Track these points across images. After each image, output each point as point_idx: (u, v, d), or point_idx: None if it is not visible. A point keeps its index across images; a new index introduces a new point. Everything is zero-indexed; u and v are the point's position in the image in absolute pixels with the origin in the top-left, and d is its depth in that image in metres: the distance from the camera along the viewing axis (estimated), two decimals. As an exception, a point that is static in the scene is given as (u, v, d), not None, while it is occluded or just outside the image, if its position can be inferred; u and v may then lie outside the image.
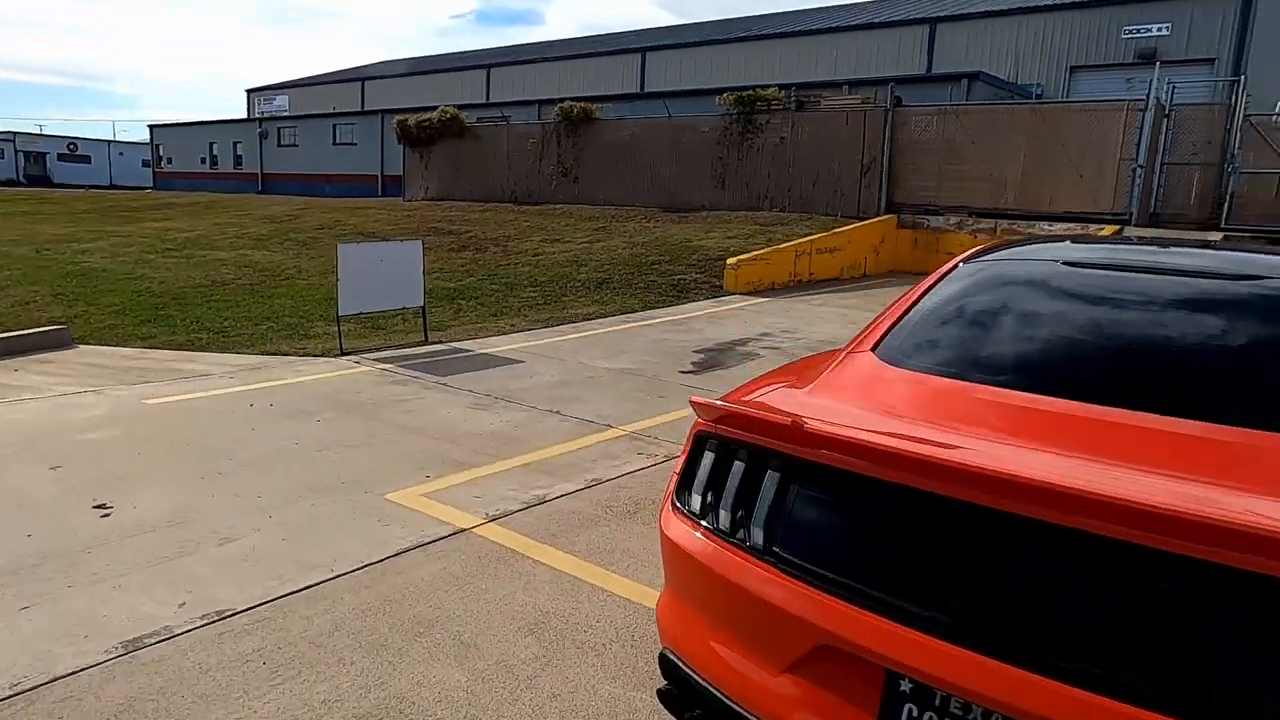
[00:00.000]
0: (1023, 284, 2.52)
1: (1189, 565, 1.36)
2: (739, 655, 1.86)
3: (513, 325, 9.56)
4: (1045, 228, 15.18)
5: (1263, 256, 2.56)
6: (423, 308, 8.55)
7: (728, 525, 1.93)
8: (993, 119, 16.43)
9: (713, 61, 31.12)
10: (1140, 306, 2.25)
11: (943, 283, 2.68)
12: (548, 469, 4.62)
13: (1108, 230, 13.90)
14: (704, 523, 1.99)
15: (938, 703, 1.54)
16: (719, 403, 2.01)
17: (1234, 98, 14.70)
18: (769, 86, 18.56)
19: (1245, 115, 14.61)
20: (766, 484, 1.88)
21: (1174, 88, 15.05)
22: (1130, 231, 14.04)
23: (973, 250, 3.04)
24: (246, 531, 3.69)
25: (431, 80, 39.91)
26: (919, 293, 2.65)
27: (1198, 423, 1.78)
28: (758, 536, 1.85)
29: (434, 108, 24.04)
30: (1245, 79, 14.88)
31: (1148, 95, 14.37)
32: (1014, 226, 15.51)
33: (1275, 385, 1.90)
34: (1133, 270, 2.48)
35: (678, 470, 2.16)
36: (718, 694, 1.86)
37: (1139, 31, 23.38)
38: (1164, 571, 1.40)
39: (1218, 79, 20.28)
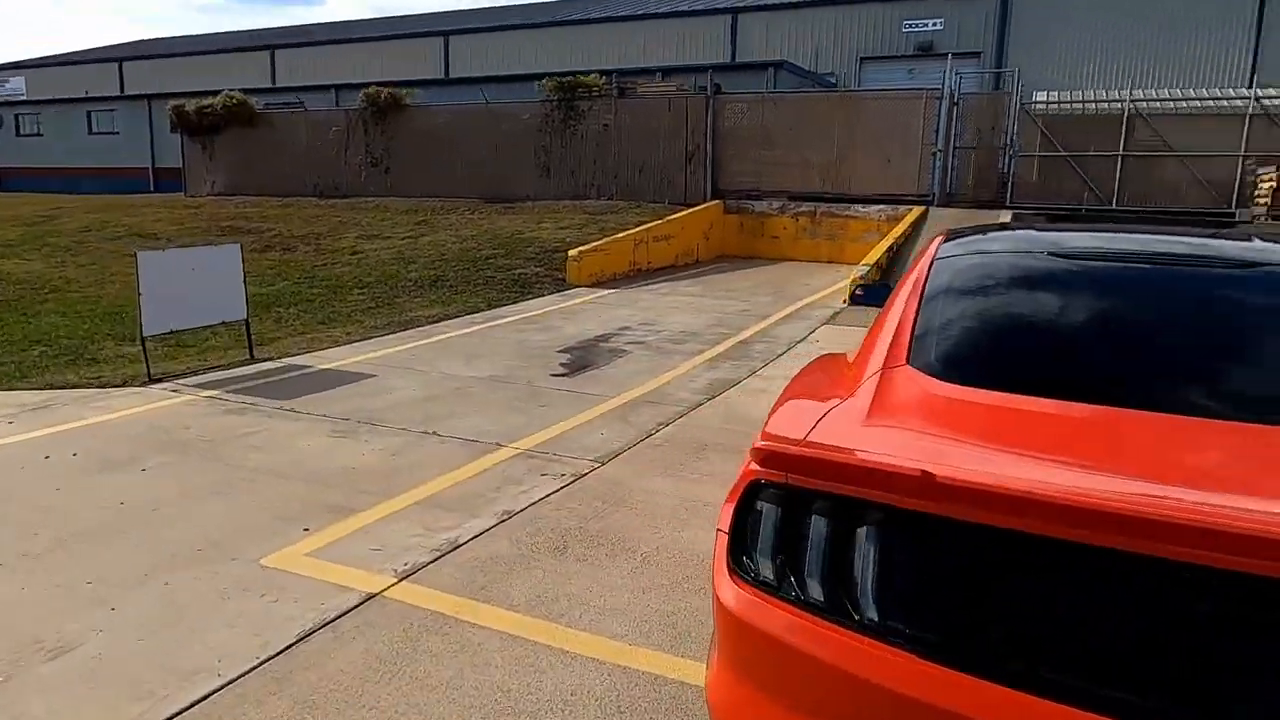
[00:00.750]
0: (1033, 279, 2.37)
1: None
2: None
3: (348, 334, 8.62)
4: (859, 209, 16.04)
5: (1228, 242, 2.57)
6: (245, 321, 7.46)
7: (821, 597, 1.58)
8: (807, 107, 17.12)
9: (523, 47, 30.36)
10: (1170, 302, 2.15)
11: (939, 276, 2.47)
12: (447, 504, 4.04)
13: (915, 211, 14.90)
14: (782, 593, 1.63)
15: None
16: (795, 448, 1.64)
17: (1011, 88, 16.20)
18: (589, 73, 18.24)
19: (1021, 104, 16.16)
20: (870, 544, 1.54)
21: (960, 78, 16.35)
22: (933, 211, 15.13)
23: (945, 239, 2.88)
24: (85, 635, 2.85)
25: (206, 61, 36.00)
26: (917, 291, 2.42)
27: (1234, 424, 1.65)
28: (870, 610, 1.51)
29: (216, 92, 21.59)
30: (1019, 71, 16.45)
31: (942, 86, 15.53)
32: (832, 209, 16.27)
33: None
34: (1137, 261, 2.39)
35: (726, 526, 1.77)
36: None
37: (916, 26, 25.37)
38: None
39: (990, 70, 22.44)
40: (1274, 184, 13.50)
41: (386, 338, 8.38)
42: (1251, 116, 14.82)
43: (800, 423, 1.87)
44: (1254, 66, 21.97)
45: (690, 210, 15.93)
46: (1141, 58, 22.83)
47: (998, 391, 1.88)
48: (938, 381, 1.95)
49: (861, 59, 26.34)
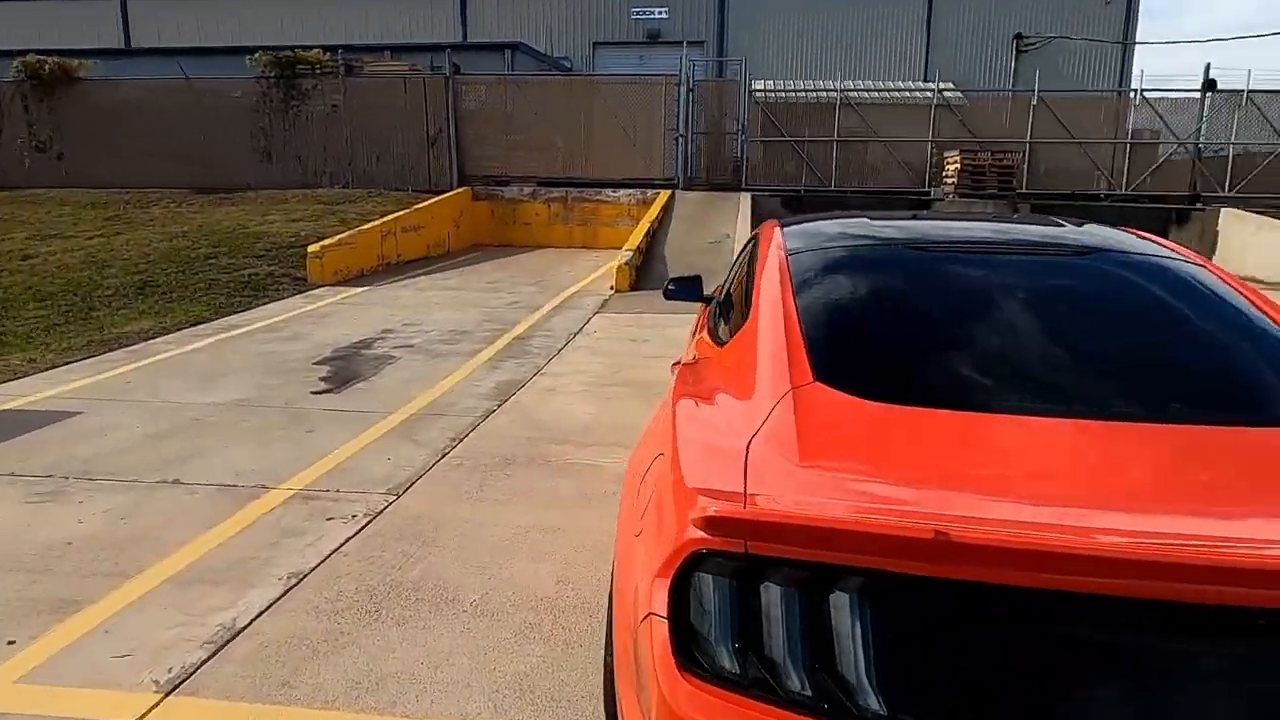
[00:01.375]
0: (913, 277, 2.26)
1: None
2: None
3: (32, 361, 6.98)
4: (610, 194, 16.16)
5: (1056, 228, 2.65)
6: (-124, 356, 5.71)
7: (809, 689, 1.28)
8: (552, 90, 16.88)
9: (223, 17, 26.96)
10: (1047, 293, 2.12)
11: (805, 275, 2.28)
12: (213, 575, 3.25)
13: (663, 195, 15.29)
14: (755, 689, 1.31)
15: None
16: (757, 511, 1.32)
17: (740, 76, 17.12)
18: (311, 48, 16.55)
19: (750, 91, 17.16)
20: (860, 618, 1.27)
21: (694, 65, 17.02)
22: (679, 194, 15.63)
23: (782, 230, 2.71)
24: None
25: None
26: (786, 293, 2.21)
27: (1215, 428, 1.64)
28: (872, 701, 1.24)
29: None
30: (745, 60, 17.42)
31: (679, 72, 16.02)
32: (583, 195, 16.23)
33: (1213, 373, 1.87)
34: (991, 251, 2.36)
35: (663, 610, 1.42)
36: None
37: (645, 14, 26.10)
38: None
39: (713, 58, 23.68)
40: (958, 165, 15.54)
41: (88, 362, 6.89)
42: (936, 107, 16.93)
43: (725, 470, 1.56)
44: (927, 64, 25.27)
45: (439, 198, 15.07)
46: (844, 51, 25.30)
47: (930, 409, 1.70)
48: (862, 401, 1.74)
49: (594, 44, 26.60)
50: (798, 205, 15.76)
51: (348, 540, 3.57)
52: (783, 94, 18.20)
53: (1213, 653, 1.18)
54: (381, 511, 3.87)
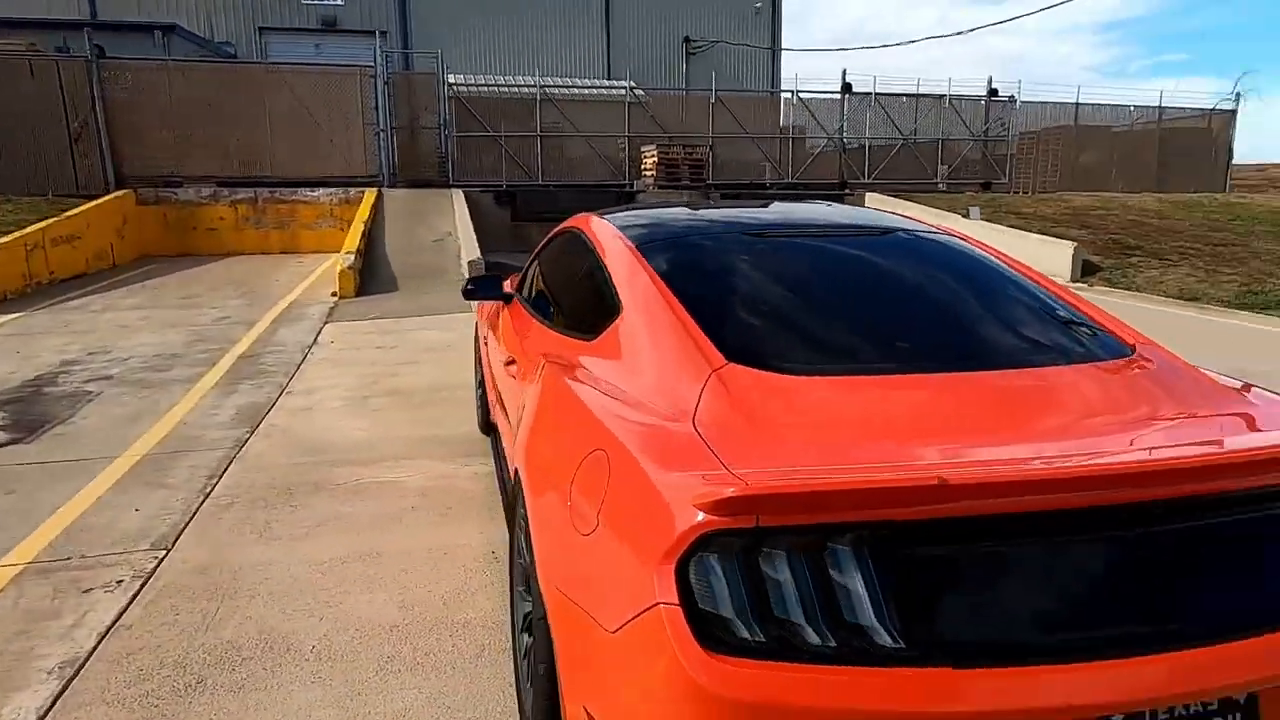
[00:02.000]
0: (767, 261, 2.43)
1: (1241, 494, 1.55)
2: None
3: None
4: (309, 194, 14.98)
5: (850, 210, 3.02)
6: None
7: (834, 641, 1.38)
8: (228, 79, 15.16)
9: None
10: (879, 268, 2.42)
11: (665, 266, 2.38)
12: (-54, 687, 2.55)
13: (370, 193, 14.50)
14: (784, 653, 1.38)
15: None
16: (768, 485, 1.37)
17: (437, 69, 16.72)
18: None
19: (449, 85, 16.83)
20: (871, 568, 1.39)
21: (388, 57, 16.30)
22: (387, 192, 14.94)
23: (615, 226, 2.78)
24: None
25: None
26: (655, 284, 2.29)
27: (1026, 370, 2.01)
28: (887, 637, 1.37)
29: None
30: (442, 53, 17.03)
31: (374, 63, 15.24)
32: (277, 195, 14.87)
33: (1011, 322, 2.28)
34: (814, 234, 2.63)
35: (674, 597, 1.42)
36: None
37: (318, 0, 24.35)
38: (1233, 502, 1.55)
39: (399, 49, 22.76)
40: (655, 159, 16.65)
41: None
42: (629, 104, 17.95)
43: (697, 455, 1.60)
44: (609, 63, 26.61)
45: (95, 203, 12.88)
46: (530, 49, 25.68)
47: (842, 376, 1.88)
48: (780, 376, 1.87)
49: (260, 29, 24.25)
50: (510, 200, 15.86)
51: (125, 610, 2.99)
52: (480, 88, 18.12)
53: (1140, 539, 1.49)
54: (155, 571, 3.30)
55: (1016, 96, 19.99)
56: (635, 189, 16.80)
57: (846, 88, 19.01)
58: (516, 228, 15.80)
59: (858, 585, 1.40)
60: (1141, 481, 1.43)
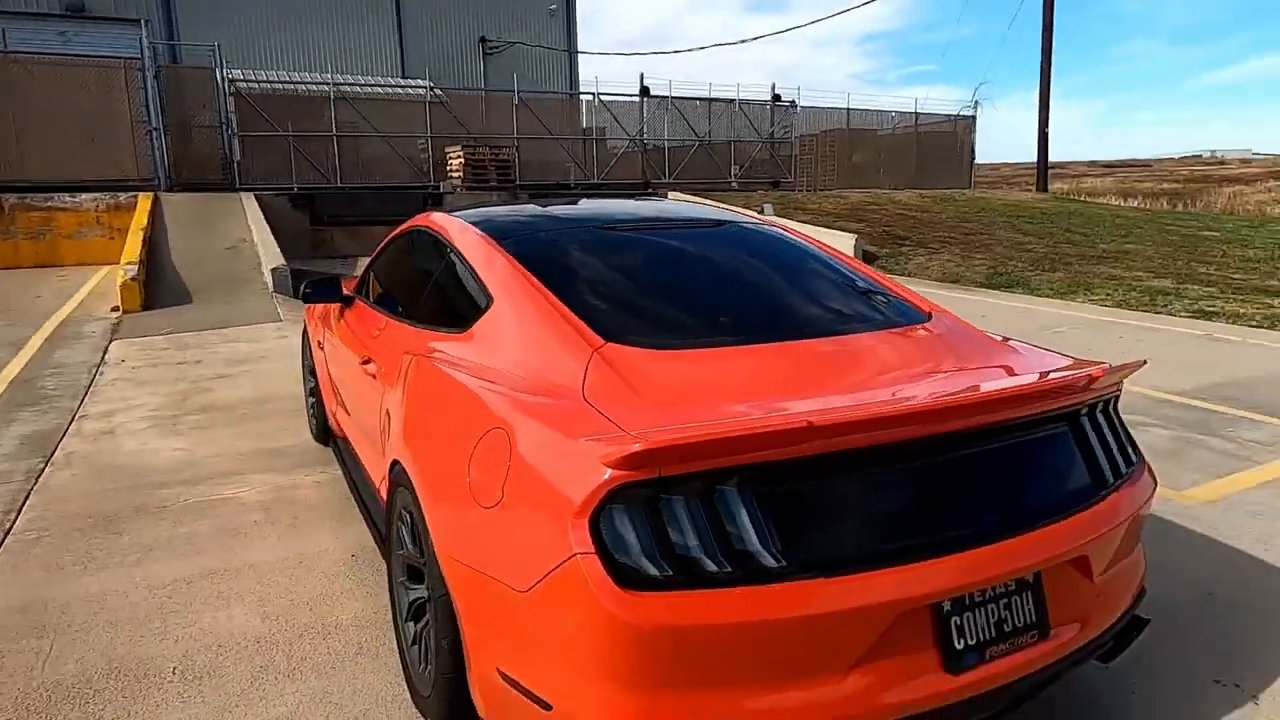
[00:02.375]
0: (625, 251, 2.64)
1: (1023, 420, 1.96)
2: (789, 693, 1.63)
3: None
4: (68, 200, 13.42)
5: (682, 205, 3.30)
6: None
7: (729, 567, 1.60)
8: (-44, 69, 13.20)
9: None
10: (728, 255, 2.71)
11: (529, 260, 2.53)
12: None
13: (145, 198, 13.25)
14: (687, 583, 1.59)
15: (966, 602, 1.78)
16: (665, 440, 1.57)
17: (215, 63, 15.49)
18: None
19: (230, 81, 15.67)
20: (754, 502, 1.64)
21: (156, 48, 14.91)
22: (165, 197, 13.71)
23: (469, 223, 2.89)
24: None
25: None
26: (521, 276, 2.44)
27: (849, 336, 2.37)
28: (771, 559, 1.62)
29: None
30: (219, 45, 15.78)
31: (141, 54, 13.89)
32: (28, 201, 13.18)
33: (826, 296, 2.65)
34: (659, 226, 2.88)
35: (589, 546, 1.59)
36: None
37: (63, -17, 21.69)
38: (1014, 428, 1.96)
39: (163, 40, 20.77)
40: (462, 160, 16.46)
41: None
42: (430, 104, 17.59)
43: (596, 421, 1.77)
44: (403, 61, 25.81)
45: None
46: (317, 44, 24.32)
47: (705, 349, 2.12)
48: (652, 351, 2.08)
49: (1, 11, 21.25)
50: (309, 203, 15.04)
51: (-67, 662, 2.69)
52: (265, 85, 17.04)
53: (950, 462, 1.84)
54: (-41, 616, 2.97)
55: (798, 102, 21.69)
56: (443, 190, 16.51)
57: (644, 91, 19.76)
58: (317, 232, 15.01)
59: (744, 519, 1.63)
60: (949, 416, 1.79)
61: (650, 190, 19.20)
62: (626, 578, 1.59)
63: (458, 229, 2.87)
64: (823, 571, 1.64)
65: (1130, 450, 2.26)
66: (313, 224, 14.88)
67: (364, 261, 4.04)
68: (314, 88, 17.07)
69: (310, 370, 4.97)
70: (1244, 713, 2.35)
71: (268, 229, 11.98)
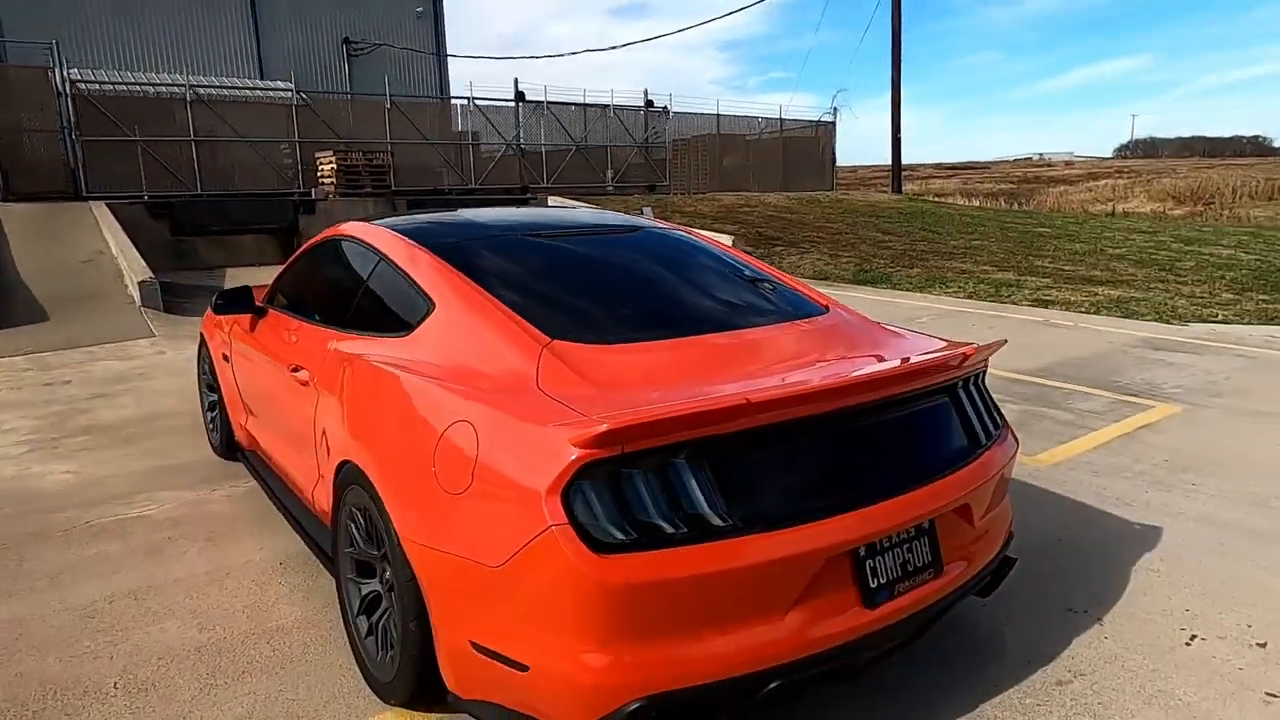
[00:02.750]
0: (556, 256, 2.85)
1: (913, 394, 2.32)
2: (739, 633, 1.90)
3: None
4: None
5: (598, 213, 3.52)
6: None
7: (686, 528, 1.85)
8: None
9: None
10: (650, 257, 2.97)
11: (471, 268, 2.69)
12: None
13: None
14: (650, 544, 1.82)
15: (878, 547, 2.11)
16: (627, 421, 1.79)
17: (54, 62, 14.40)
18: None
19: (71, 82, 14.61)
20: (703, 471, 1.89)
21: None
22: (4, 207, 12.66)
23: (399, 232, 3.02)
24: None
25: None
26: (460, 281, 2.61)
27: (758, 329, 2.68)
28: (718, 518, 1.88)
29: None
30: (57, 44, 14.67)
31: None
32: None
33: (738, 294, 2.96)
34: (584, 233, 3.10)
35: (561, 518, 1.80)
36: (721, 682, 1.88)
37: None
38: (907, 400, 2.31)
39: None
40: (334, 166, 15.99)
41: None
42: (296, 108, 16.99)
43: (557, 411, 1.97)
44: (260, 62, 24.66)
45: None
46: (170, 41, 22.83)
47: (642, 343, 2.36)
48: (596, 347, 2.29)
49: None
50: (169, 212, 14.21)
51: None
52: (110, 86, 15.97)
53: (861, 430, 2.16)
54: None
55: (669, 108, 22.31)
56: (315, 197, 15.97)
57: (520, 96, 19.81)
58: (179, 243, 14.19)
59: (693, 486, 1.89)
60: (857, 391, 2.11)
61: (529, 195, 19.26)
62: (596, 544, 1.80)
63: (388, 238, 2.98)
64: (762, 527, 1.92)
65: (997, 416, 2.67)
66: (174, 234, 14.08)
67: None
68: (164, 89, 16.16)
69: (209, 384, 4.87)
70: (1091, 633, 2.81)
71: (127, 240, 11.30)
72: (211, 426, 4.87)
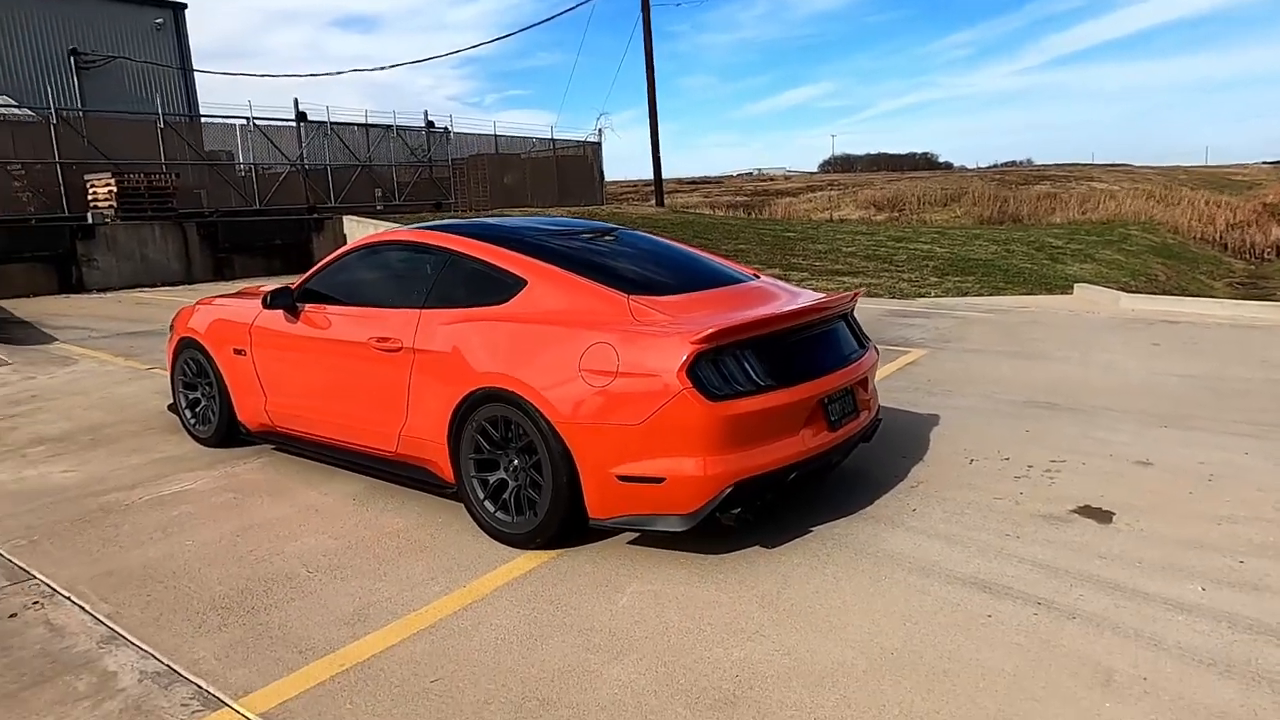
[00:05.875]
0: (575, 245, 4.16)
1: (835, 316, 3.96)
2: (776, 443, 3.38)
3: None
4: None
5: (582, 221, 4.83)
6: None
7: (758, 384, 3.31)
8: None
9: None
10: (633, 248, 4.35)
11: (534, 253, 3.93)
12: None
13: None
14: (741, 393, 3.25)
15: (831, 400, 3.68)
16: (717, 330, 3.21)
17: None
18: None
19: None
20: (753, 354, 3.37)
21: None
22: None
23: (463, 232, 4.17)
24: None
25: None
26: (546, 263, 3.86)
27: (734, 286, 4.19)
28: (765, 380, 3.36)
29: None
30: None
31: None
32: None
33: (711, 266, 4.44)
34: (580, 232, 4.45)
35: (688, 383, 3.17)
36: (770, 472, 3.36)
37: None
38: (832, 320, 3.94)
39: None
40: (112, 188, 15.12)
41: None
42: (54, 125, 15.78)
43: (664, 332, 3.33)
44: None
45: None
46: None
47: (676, 295, 3.74)
48: (654, 298, 3.64)
49: None
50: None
51: (83, 613, 3.23)
52: None
53: (819, 336, 3.74)
54: None
55: (450, 128, 23.16)
56: (93, 221, 14.99)
57: (301, 116, 19.69)
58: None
59: (751, 364, 3.35)
60: (815, 313, 3.70)
61: (317, 215, 19.21)
62: (710, 395, 3.20)
63: (456, 240, 4.11)
64: (785, 385, 3.43)
65: (864, 335, 4.39)
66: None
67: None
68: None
69: (187, 384, 5.42)
70: (919, 464, 4.62)
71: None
72: (193, 422, 5.42)
